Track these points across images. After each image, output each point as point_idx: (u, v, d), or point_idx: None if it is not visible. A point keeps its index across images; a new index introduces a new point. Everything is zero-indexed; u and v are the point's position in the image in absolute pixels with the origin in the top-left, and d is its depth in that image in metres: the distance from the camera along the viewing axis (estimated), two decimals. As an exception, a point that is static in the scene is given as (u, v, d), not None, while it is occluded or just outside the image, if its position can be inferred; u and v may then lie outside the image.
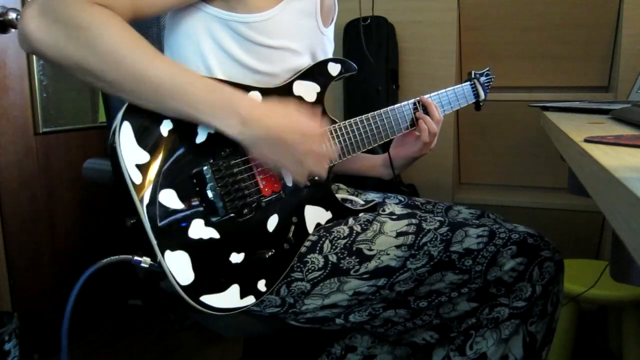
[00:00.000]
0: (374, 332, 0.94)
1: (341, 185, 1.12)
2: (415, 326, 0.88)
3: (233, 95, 0.75)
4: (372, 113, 0.96)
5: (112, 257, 0.72)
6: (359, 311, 0.87)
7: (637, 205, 0.30)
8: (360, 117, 0.95)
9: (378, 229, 0.86)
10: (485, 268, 0.83)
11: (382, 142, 0.98)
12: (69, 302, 0.69)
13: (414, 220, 0.88)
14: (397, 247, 0.84)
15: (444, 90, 1.10)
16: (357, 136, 0.94)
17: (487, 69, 1.25)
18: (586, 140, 0.56)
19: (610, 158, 0.44)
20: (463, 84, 1.16)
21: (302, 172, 0.79)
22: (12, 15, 1.46)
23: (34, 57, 1.58)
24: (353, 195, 1.09)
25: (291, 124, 0.77)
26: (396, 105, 1.00)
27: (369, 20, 1.88)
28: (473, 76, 1.21)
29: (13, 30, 1.51)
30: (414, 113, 1.03)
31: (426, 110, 1.04)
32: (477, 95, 1.20)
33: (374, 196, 1.11)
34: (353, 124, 0.93)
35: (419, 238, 0.84)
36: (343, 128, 0.92)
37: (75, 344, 1.78)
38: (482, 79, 1.22)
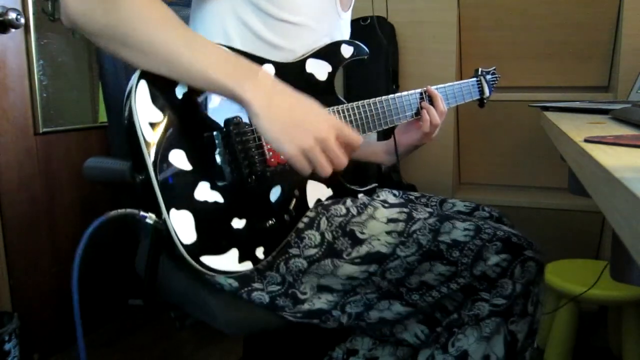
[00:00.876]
0: (369, 329, 0.95)
1: None
2: (407, 317, 0.90)
3: (251, 63, 0.74)
4: (379, 98, 0.98)
5: (119, 210, 0.73)
6: (355, 302, 0.88)
7: (637, 205, 0.30)
8: (367, 100, 0.96)
9: (370, 214, 0.88)
10: (472, 261, 0.84)
11: (387, 127, 0.99)
12: (75, 261, 0.70)
13: (405, 209, 0.90)
14: (388, 233, 0.86)
15: (450, 84, 1.12)
16: (363, 119, 0.95)
17: (494, 68, 1.27)
18: (586, 140, 0.56)
19: (610, 158, 0.44)
20: (469, 80, 1.18)
21: (304, 162, 0.73)
22: (12, 15, 1.46)
23: (34, 57, 1.58)
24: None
25: (310, 109, 0.74)
26: (403, 93, 1.02)
27: (369, 20, 1.88)
28: (480, 73, 1.22)
29: (13, 30, 1.51)
30: (420, 102, 1.05)
31: (431, 101, 1.06)
32: (481, 92, 1.22)
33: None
34: (360, 107, 0.95)
35: (408, 225, 0.86)
36: (350, 109, 0.93)
37: (75, 343, 1.78)
38: (488, 77, 1.24)
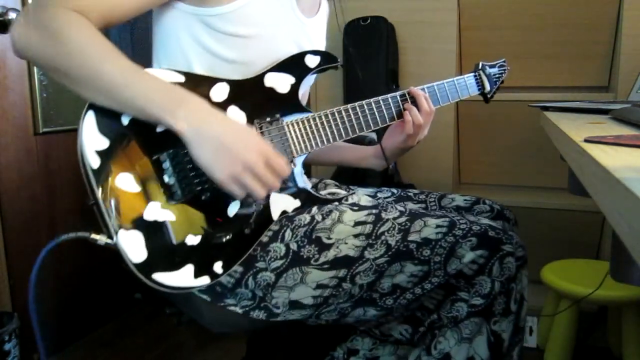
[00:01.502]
0: (353, 326, 0.95)
1: (327, 181, 1.13)
2: (387, 321, 0.90)
3: (186, 93, 0.77)
4: (348, 105, 0.95)
5: (70, 234, 0.78)
6: (329, 312, 0.87)
7: (637, 205, 0.30)
8: (334, 108, 0.94)
9: (337, 218, 0.88)
10: (444, 259, 0.83)
11: (362, 132, 0.97)
12: (30, 282, 0.76)
13: (374, 211, 0.89)
14: (355, 236, 0.85)
15: (440, 82, 1.07)
16: (327, 128, 0.93)
17: (503, 60, 1.21)
18: (586, 140, 0.56)
19: (610, 158, 0.44)
20: (466, 75, 1.13)
21: (235, 188, 0.77)
22: (12, 15, 1.46)
23: (34, 57, 1.58)
24: (342, 189, 1.10)
25: (239, 136, 0.77)
26: (381, 97, 0.99)
27: (369, 20, 1.88)
28: (480, 67, 1.17)
29: (13, 30, 1.51)
30: (402, 104, 1.01)
31: (415, 102, 1.01)
32: (481, 87, 1.16)
33: (366, 190, 1.11)
34: (323, 116, 0.93)
35: (376, 227, 0.86)
36: (323, 117, 0.92)
37: (75, 343, 1.78)
38: (492, 70, 1.18)
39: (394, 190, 1.11)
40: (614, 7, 1.74)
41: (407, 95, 1.01)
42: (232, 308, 0.87)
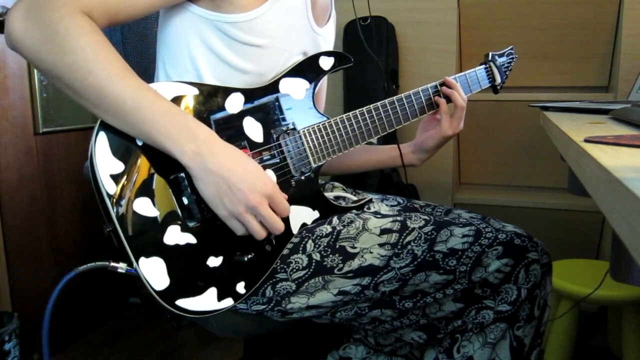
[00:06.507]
0: (362, 329, 0.94)
1: (336, 184, 1.12)
2: (402, 325, 0.88)
3: (194, 122, 0.74)
4: (369, 106, 0.94)
5: (89, 264, 0.74)
6: (345, 310, 0.87)
7: (637, 205, 0.30)
8: (355, 111, 0.93)
9: (361, 226, 0.86)
10: (470, 268, 0.82)
11: (378, 135, 0.96)
12: (47, 309, 0.71)
13: (398, 218, 0.87)
14: (381, 245, 0.84)
15: (454, 75, 1.05)
16: (343, 135, 0.91)
17: (510, 47, 1.19)
18: (586, 140, 0.55)
19: (610, 158, 0.44)
20: (477, 68, 1.11)
21: (236, 225, 0.76)
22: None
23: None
24: (348, 193, 1.09)
25: (245, 175, 0.74)
26: (404, 94, 0.98)
27: (368, 20, 1.88)
28: (490, 58, 1.14)
29: (13, 30, 1.51)
30: (426, 101, 1.01)
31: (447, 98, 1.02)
32: (492, 79, 1.14)
33: (375, 196, 1.10)
34: (339, 122, 0.92)
35: (402, 237, 0.84)
36: (339, 122, 0.91)
37: (75, 343, 1.78)
38: (501, 59, 1.16)
39: (400, 200, 1.09)
40: (614, 7, 1.74)
41: (429, 90, 1.01)
42: (243, 310, 0.87)
